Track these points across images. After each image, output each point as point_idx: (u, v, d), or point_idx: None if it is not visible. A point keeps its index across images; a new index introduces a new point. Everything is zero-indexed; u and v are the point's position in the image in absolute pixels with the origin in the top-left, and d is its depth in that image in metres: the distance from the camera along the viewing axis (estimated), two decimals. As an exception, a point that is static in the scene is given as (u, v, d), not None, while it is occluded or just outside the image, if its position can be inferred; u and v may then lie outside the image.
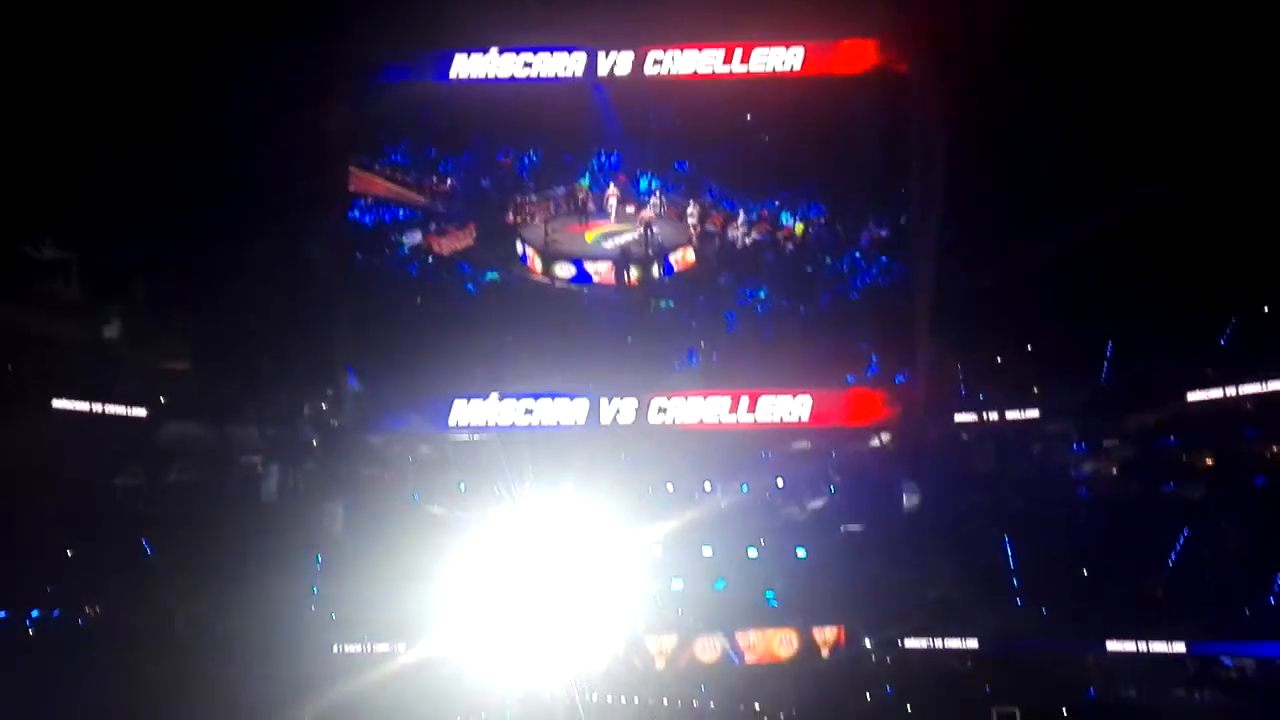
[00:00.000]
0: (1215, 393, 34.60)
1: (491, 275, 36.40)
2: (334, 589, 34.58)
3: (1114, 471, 36.76)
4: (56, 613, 33.04)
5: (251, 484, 34.28)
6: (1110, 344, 36.23)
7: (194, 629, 32.60)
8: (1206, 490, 35.54)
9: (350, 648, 33.68)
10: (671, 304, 36.20)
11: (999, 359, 37.93)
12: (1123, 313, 34.86)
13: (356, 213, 36.02)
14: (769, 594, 35.26)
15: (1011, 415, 37.10)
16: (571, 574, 33.88)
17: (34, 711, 27.99)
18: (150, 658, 31.01)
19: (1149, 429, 36.60)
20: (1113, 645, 33.36)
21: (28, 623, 32.59)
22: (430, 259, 36.32)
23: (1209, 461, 36.54)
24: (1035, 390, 37.11)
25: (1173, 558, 34.86)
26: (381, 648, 33.67)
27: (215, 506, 33.36)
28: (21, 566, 32.10)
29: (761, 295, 36.20)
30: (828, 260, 36.50)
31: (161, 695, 29.51)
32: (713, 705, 33.16)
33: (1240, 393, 34.26)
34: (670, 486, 36.04)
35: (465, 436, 36.26)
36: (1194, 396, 34.96)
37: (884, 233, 36.20)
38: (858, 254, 36.32)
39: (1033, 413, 36.87)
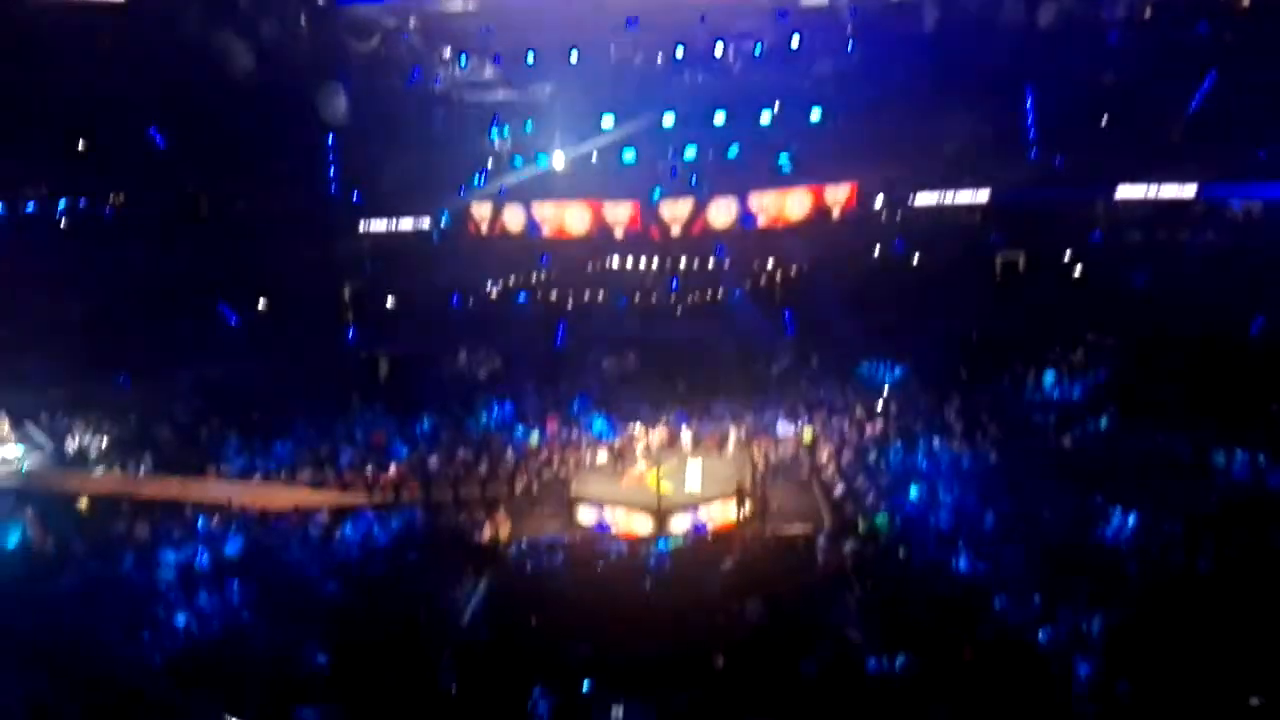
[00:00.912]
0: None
1: None
2: (351, 169, 34.97)
3: (1145, 15, 34.79)
4: (84, 202, 33.82)
5: (247, 69, 33.05)
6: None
7: (219, 213, 33.44)
8: (1234, 32, 33.76)
9: (376, 225, 34.79)
10: None
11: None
12: None
13: None
14: (782, 157, 35.14)
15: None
16: (582, 146, 33.86)
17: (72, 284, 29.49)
18: (180, 237, 32.04)
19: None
20: (1123, 191, 33.76)
21: (58, 213, 33.55)
22: None
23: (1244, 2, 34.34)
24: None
25: (1193, 104, 34.00)
26: (405, 224, 34.75)
27: (217, 94, 32.47)
28: (36, 161, 32.24)
29: None
30: None
31: (196, 273, 31.05)
32: (728, 264, 34.61)
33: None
34: (680, 52, 34.31)
35: (460, 7, 34.17)
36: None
37: None
38: None
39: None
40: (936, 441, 22.61)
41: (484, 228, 34.90)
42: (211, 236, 32.25)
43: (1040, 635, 12.81)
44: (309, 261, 32.40)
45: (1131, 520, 16.29)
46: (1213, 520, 15.97)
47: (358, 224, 34.62)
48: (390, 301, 32.52)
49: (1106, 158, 33.33)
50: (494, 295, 33.79)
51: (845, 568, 16.72)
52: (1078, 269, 31.87)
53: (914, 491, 19.63)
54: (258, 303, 32.65)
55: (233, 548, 17.95)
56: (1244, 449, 18.81)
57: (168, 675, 13.30)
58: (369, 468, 23.41)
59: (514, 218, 34.41)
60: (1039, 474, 19.52)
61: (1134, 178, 32.79)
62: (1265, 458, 18.51)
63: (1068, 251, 32.52)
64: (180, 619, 15.04)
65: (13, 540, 19.05)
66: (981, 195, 35.10)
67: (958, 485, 19.55)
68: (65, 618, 14.96)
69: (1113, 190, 33.53)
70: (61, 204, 33.40)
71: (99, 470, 23.81)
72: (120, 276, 30.10)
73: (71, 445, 25.10)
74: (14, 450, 23.74)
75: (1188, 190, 33.37)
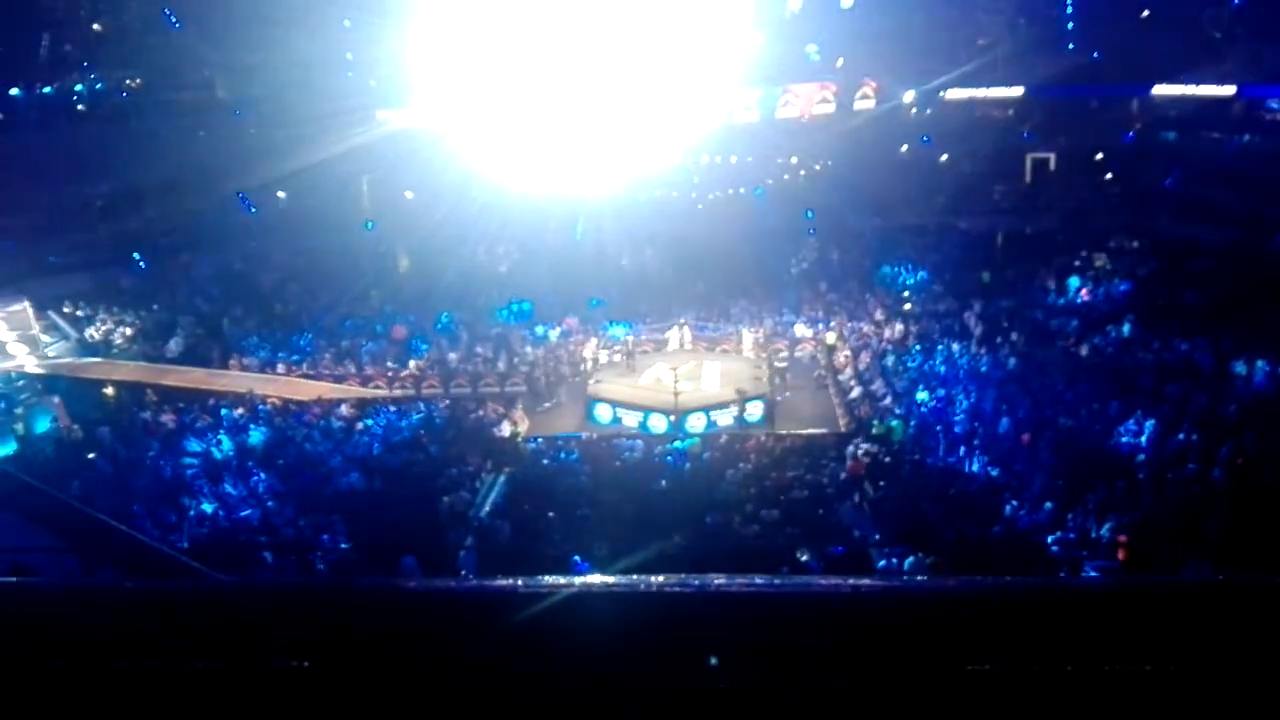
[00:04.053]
0: None
1: None
2: (368, 55, 34.14)
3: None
4: (100, 85, 33.36)
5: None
6: None
7: (235, 95, 32.93)
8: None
9: (386, 114, 34.05)
10: None
11: None
12: None
13: None
14: (811, 48, 34.08)
15: None
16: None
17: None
18: (198, 124, 31.65)
19: None
20: (1160, 89, 32.72)
21: (74, 97, 33.14)
22: None
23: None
24: None
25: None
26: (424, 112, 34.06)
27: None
28: (54, 44, 31.72)
29: None
30: None
31: (217, 159, 30.66)
32: (750, 159, 33.96)
33: None
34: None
35: None
36: None
37: None
38: None
39: None
40: (956, 346, 22.49)
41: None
42: (230, 123, 31.84)
43: (1050, 539, 13.01)
44: (328, 150, 31.95)
45: (1147, 428, 16.27)
46: (1229, 429, 15.93)
47: (375, 113, 33.97)
48: (409, 193, 32.15)
49: (1145, 54, 32.24)
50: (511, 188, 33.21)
51: (859, 470, 16.86)
52: (1109, 171, 31.08)
53: (930, 396, 19.64)
54: (277, 192, 32.39)
55: (256, 437, 18.29)
56: (1266, 358, 18.61)
57: (194, 557, 13.72)
58: (389, 362, 23.60)
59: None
60: (1057, 380, 19.44)
61: (1172, 76, 31.77)
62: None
63: (1099, 152, 31.63)
64: (206, 505, 15.44)
65: (42, 426, 19.45)
66: (1014, 91, 34.12)
67: (975, 390, 19.52)
68: (94, 501, 15.36)
69: (1149, 88, 32.55)
70: (79, 88, 33.02)
71: (123, 359, 24.08)
72: (139, 163, 29.81)
73: (96, 334, 25.31)
74: (41, 339, 23.99)
75: (1226, 89, 32.35)
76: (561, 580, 2.10)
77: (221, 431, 18.43)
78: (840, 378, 22.65)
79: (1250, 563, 11.53)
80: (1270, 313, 20.52)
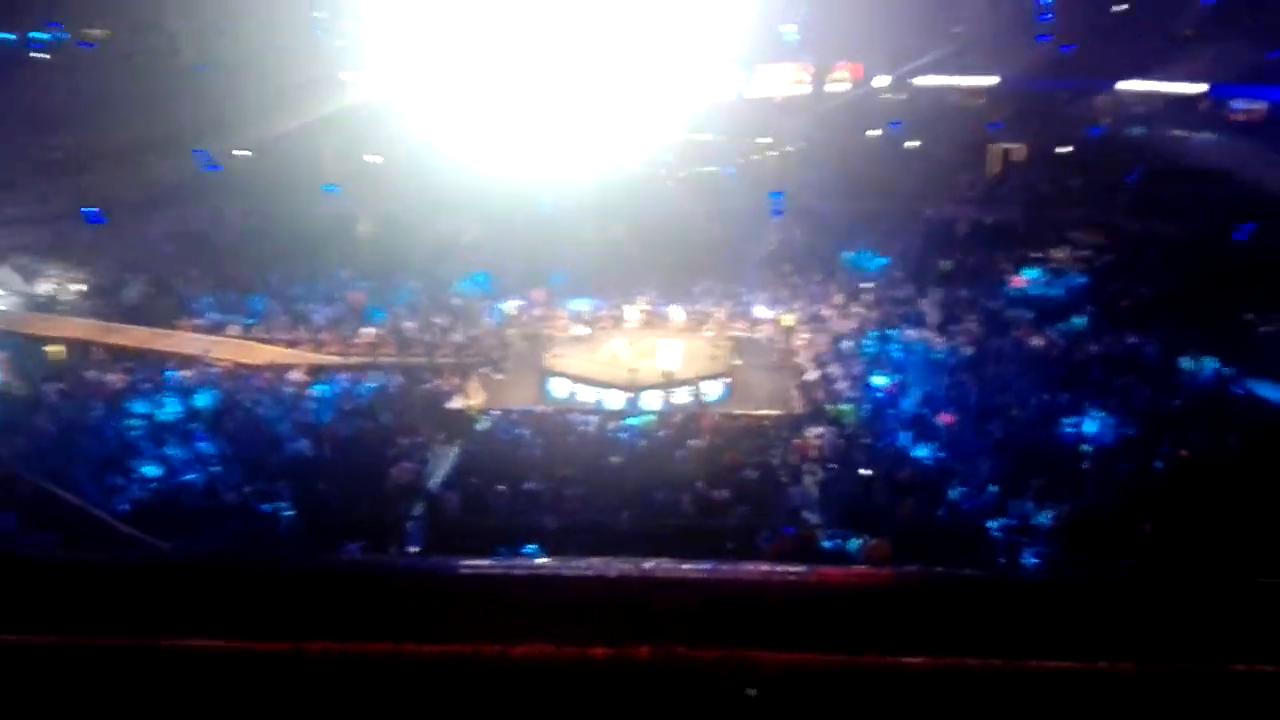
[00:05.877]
0: None
1: None
2: (336, 17, 33.60)
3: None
4: (65, 35, 32.46)
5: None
6: None
7: (197, 49, 32.22)
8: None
9: (350, 76, 33.45)
10: None
11: None
12: None
13: None
14: (788, 31, 33.93)
15: None
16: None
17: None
18: (160, 76, 30.99)
19: None
20: (1129, 85, 32.94)
21: (30, 44, 32.23)
22: None
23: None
24: None
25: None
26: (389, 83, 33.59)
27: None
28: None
29: None
30: None
31: (179, 118, 30.08)
32: (724, 138, 33.79)
33: None
34: None
35: None
36: None
37: None
38: None
39: None
40: (913, 332, 22.58)
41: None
42: (193, 82, 31.16)
43: (992, 524, 13.17)
44: (292, 113, 31.42)
45: (1094, 419, 16.49)
46: (1172, 423, 16.21)
47: (339, 75, 33.40)
48: (370, 157, 31.66)
49: (1116, 50, 32.45)
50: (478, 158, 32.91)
51: (811, 452, 16.91)
52: (1074, 164, 31.31)
53: (886, 380, 19.72)
54: (236, 151, 31.84)
55: (205, 400, 18.01)
56: (1212, 356, 18.95)
57: (136, 522, 13.51)
58: (344, 329, 23.26)
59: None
60: (1010, 370, 19.62)
61: (1142, 73, 32.00)
62: (1233, 368, 18.73)
63: (1067, 146, 31.84)
64: (150, 468, 15.20)
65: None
66: (986, 81, 34.18)
67: (929, 377, 19.64)
68: (34, 461, 15.07)
69: (1118, 84, 32.76)
70: (41, 36, 32.05)
71: (71, 316, 23.57)
72: (100, 117, 29.14)
73: (45, 289, 24.76)
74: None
75: (1195, 87, 32.63)
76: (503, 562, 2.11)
77: (169, 393, 18.13)
78: (797, 360, 22.67)
79: (1188, 554, 11.73)
80: (1219, 311, 20.87)
